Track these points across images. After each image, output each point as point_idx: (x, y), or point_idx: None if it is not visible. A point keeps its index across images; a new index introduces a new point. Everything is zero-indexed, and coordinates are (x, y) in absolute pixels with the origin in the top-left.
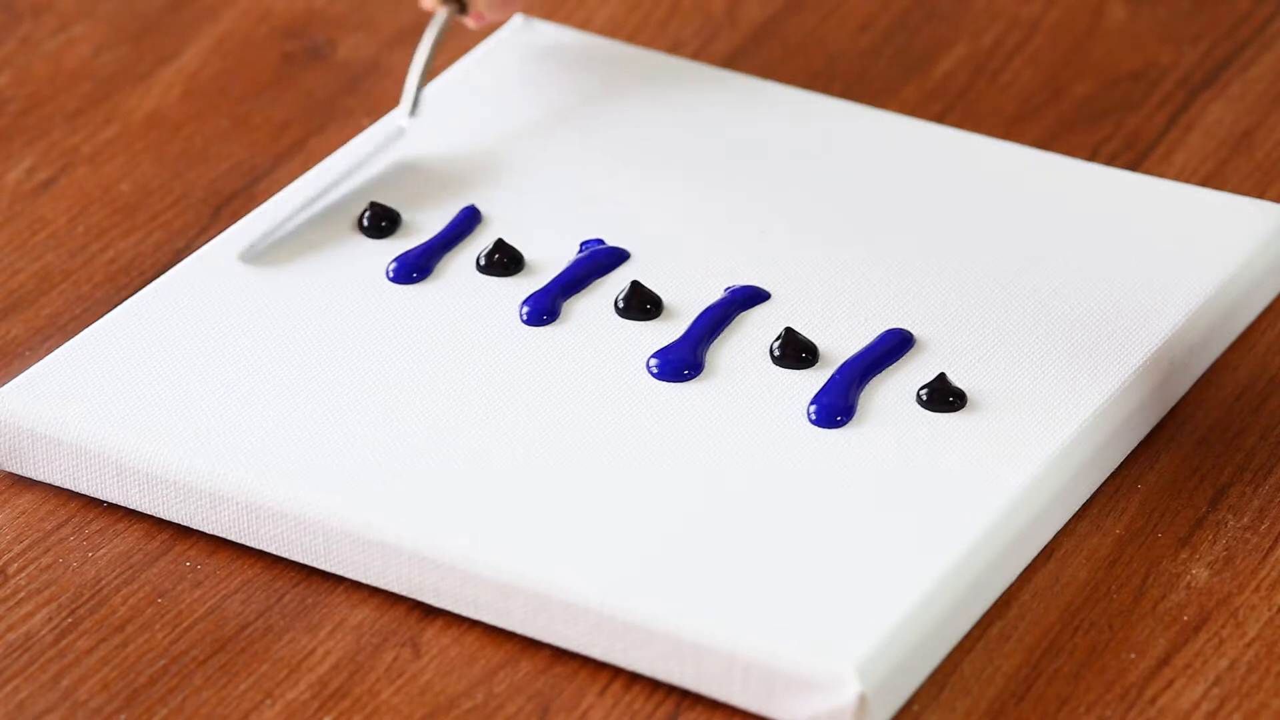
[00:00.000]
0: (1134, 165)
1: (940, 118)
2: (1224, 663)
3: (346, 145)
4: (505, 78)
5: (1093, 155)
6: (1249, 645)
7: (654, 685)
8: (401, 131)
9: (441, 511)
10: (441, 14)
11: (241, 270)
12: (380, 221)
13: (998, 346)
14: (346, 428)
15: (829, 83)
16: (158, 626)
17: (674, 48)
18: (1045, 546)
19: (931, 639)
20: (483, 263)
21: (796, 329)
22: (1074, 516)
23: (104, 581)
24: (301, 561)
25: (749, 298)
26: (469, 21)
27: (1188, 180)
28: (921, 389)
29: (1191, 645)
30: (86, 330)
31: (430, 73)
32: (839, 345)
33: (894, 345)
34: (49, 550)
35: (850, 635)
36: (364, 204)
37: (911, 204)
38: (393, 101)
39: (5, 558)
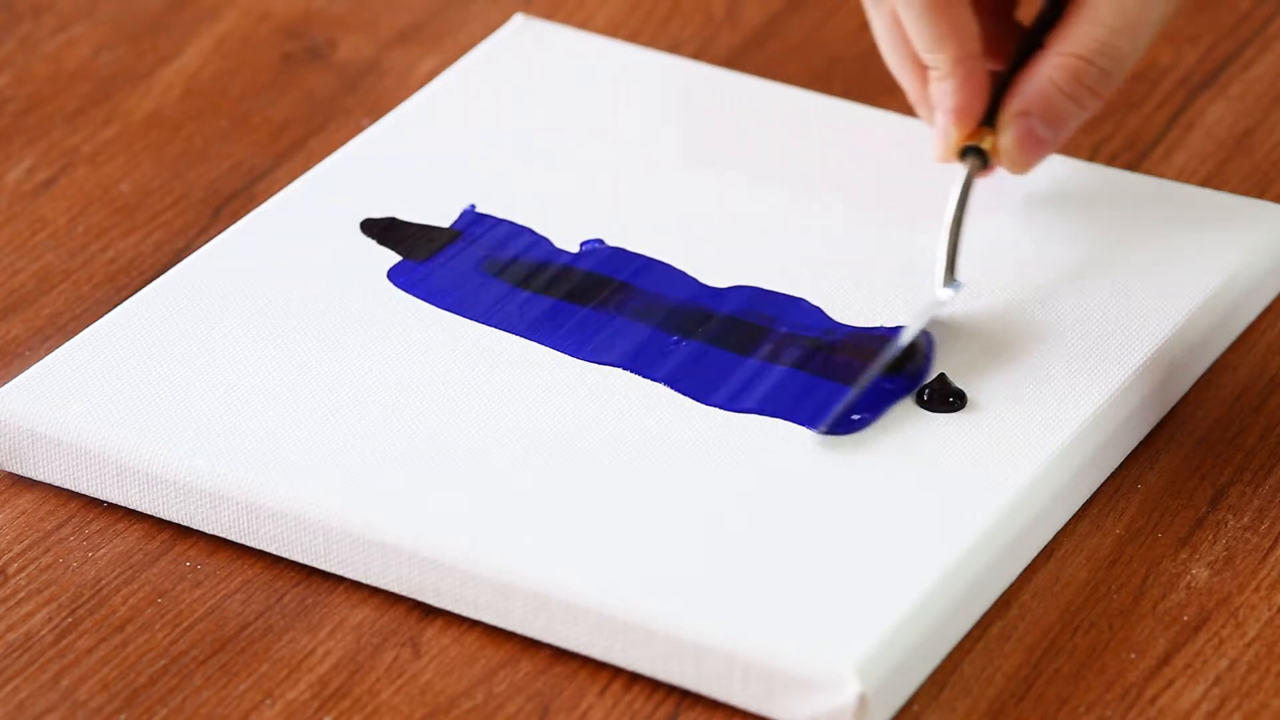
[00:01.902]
0: (1134, 165)
1: None
2: (1224, 663)
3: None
4: (505, 78)
5: (1093, 155)
6: (1249, 645)
7: (654, 685)
8: (942, 304)
9: (441, 511)
10: (964, 170)
11: (241, 270)
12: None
13: (999, 346)
14: (346, 428)
15: (829, 83)
16: (158, 626)
17: (674, 48)
18: (1045, 546)
19: (931, 639)
20: None
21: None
22: (1074, 516)
23: (104, 581)
24: (301, 561)
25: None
26: (985, 175)
27: (1188, 180)
28: (922, 389)
29: (1191, 645)
30: (86, 330)
31: (960, 236)
32: None
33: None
34: (49, 550)
35: (850, 635)
36: (374, 209)
37: (911, 204)
38: (393, 101)
39: (5, 558)
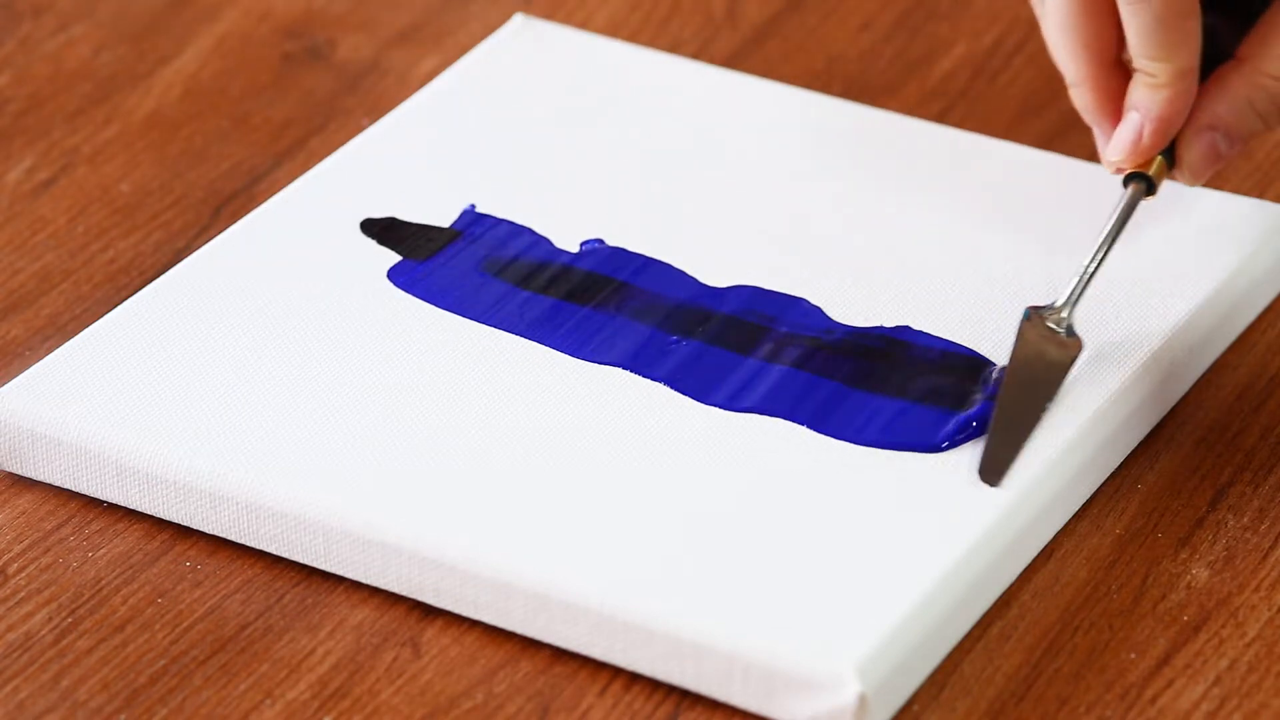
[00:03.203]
0: None
1: (940, 118)
2: (1224, 663)
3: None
4: (505, 78)
5: (1093, 155)
6: (1249, 645)
7: (654, 685)
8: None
9: (441, 511)
10: (1127, 194)
11: (241, 270)
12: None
13: (998, 346)
14: (346, 428)
15: (829, 83)
16: (158, 626)
17: (674, 48)
18: (1045, 546)
19: (931, 639)
20: None
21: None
22: (1074, 516)
23: (104, 581)
24: (301, 561)
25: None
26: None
27: None
28: None
29: (1191, 645)
30: (86, 330)
31: (1102, 264)
32: None
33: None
34: (49, 550)
35: (850, 635)
36: (374, 209)
37: (911, 204)
38: (393, 101)
39: (5, 558)
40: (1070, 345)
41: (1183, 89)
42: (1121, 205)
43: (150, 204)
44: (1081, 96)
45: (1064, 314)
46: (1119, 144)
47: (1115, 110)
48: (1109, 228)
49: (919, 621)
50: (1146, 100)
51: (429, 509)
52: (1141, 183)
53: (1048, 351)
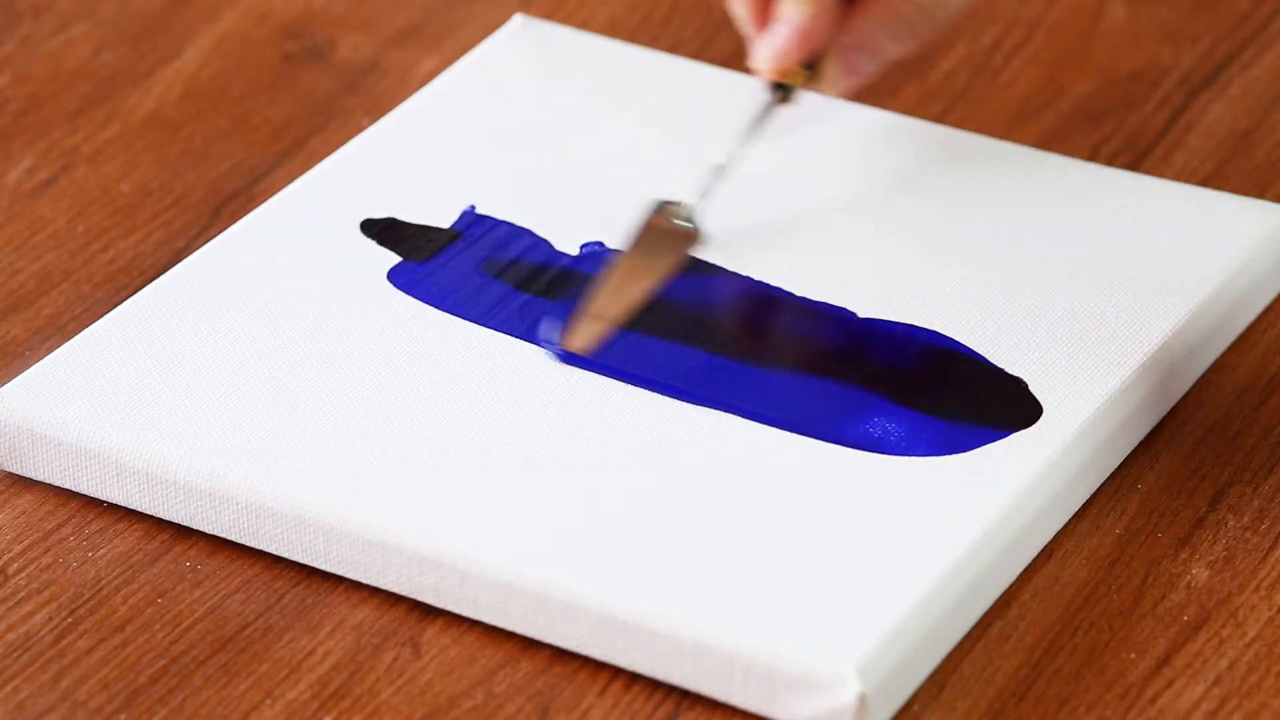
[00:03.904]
0: (1134, 165)
1: (940, 118)
2: (1224, 663)
3: None
4: (505, 78)
5: (1093, 155)
6: (1249, 645)
7: (654, 685)
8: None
9: (441, 511)
10: (763, 102)
11: (241, 270)
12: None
13: (997, 346)
14: (346, 427)
15: None
16: (158, 626)
17: (674, 48)
18: (1045, 546)
19: (931, 639)
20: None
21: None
22: (1074, 516)
23: (104, 581)
24: (301, 561)
25: None
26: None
27: (1188, 180)
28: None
29: (1191, 645)
30: (86, 330)
31: (737, 162)
32: None
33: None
34: (49, 550)
35: (850, 635)
36: (374, 209)
37: (911, 204)
38: (393, 101)
39: (5, 558)
40: (690, 235)
41: (826, 5)
42: (758, 110)
43: (150, 204)
44: (737, 6)
45: (689, 208)
46: (764, 52)
47: (766, 22)
48: (744, 130)
49: (919, 621)
50: (792, 14)
51: (429, 509)
52: (780, 91)
53: (666, 240)
